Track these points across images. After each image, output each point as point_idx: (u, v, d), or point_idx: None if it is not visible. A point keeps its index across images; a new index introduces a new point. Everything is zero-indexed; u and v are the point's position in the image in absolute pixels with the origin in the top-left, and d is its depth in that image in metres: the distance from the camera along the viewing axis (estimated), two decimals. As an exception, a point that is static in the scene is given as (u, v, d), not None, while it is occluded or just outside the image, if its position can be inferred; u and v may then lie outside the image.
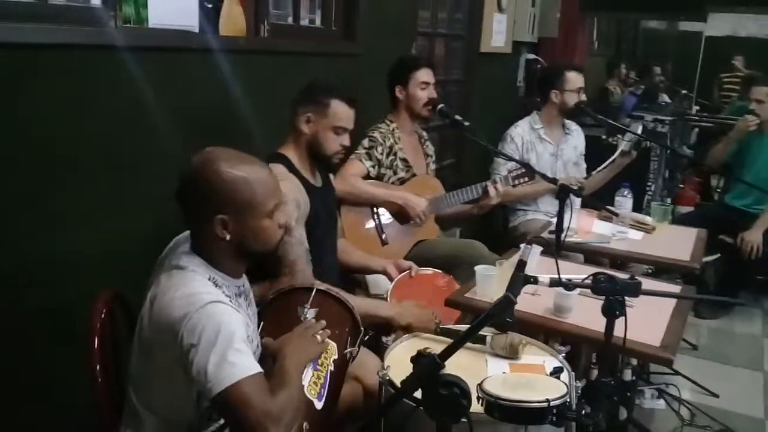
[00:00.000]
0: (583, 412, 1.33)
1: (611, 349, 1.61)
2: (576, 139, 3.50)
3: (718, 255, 3.70)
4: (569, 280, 1.66)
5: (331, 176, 2.38)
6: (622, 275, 1.66)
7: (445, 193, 2.86)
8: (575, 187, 2.67)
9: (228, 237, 1.39)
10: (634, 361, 2.74)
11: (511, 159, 2.97)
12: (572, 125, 3.52)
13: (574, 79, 3.32)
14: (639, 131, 3.18)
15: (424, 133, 3.03)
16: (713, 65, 7.50)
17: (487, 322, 1.08)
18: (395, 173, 2.75)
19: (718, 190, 4.35)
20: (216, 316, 1.29)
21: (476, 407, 1.38)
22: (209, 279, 1.38)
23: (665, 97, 6.48)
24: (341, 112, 2.10)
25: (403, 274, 2.33)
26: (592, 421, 1.30)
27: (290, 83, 2.47)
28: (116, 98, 1.82)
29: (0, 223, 1.54)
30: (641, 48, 9.33)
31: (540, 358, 1.72)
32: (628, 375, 2.66)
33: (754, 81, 4.02)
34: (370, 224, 2.71)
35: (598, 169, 3.33)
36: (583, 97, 3.35)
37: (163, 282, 1.37)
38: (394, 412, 1.44)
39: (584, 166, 3.49)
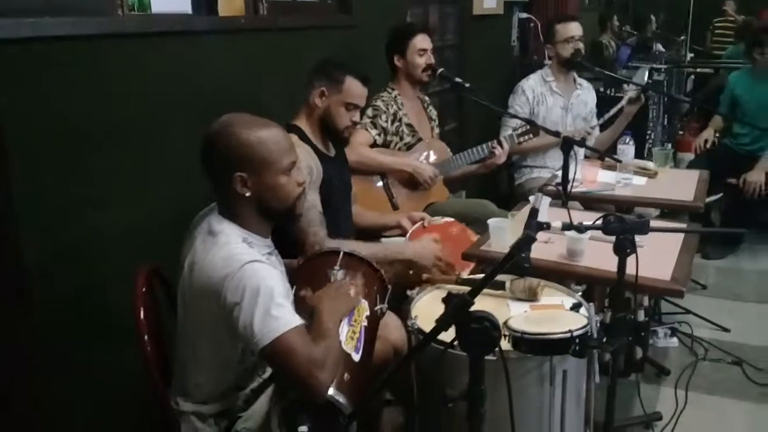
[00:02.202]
0: (604, 340, 1.41)
1: (625, 285, 1.69)
2: (587, 95, 3.55)
3: (721, 195, 3.78)
4: (580, 223, 1.74)
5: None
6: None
7: (451, 156, 2.93)
8: (579, 138, 2.74)
9: (248, 194, 1.48)
10: (646, 303, 2.84)
11: (514, 116, 3.03)
12: (584, 82, 3.57)
13: (561, 29, 3.36)
14: (645, 77, 3.22)
15: (426, 98, 3.09)
16: (706, 12, 7.50)
17: (510, 259, 1.17)
18: (401, 139, 2.81)
19: (717, 135, 4.41)
20: (256, 274, 1.37)
21: (503, 345, 1.47)
22: (243, 240, 1.47)
23: (660, 47, 6.50)
24: (354, 89, 2.17)
25: (417, 224, 2.41)
26: (612, 348, 1.39)
27: (291, 58, 2.55)
28: (130, 83, 1.88)
29: (43, 205, 1.61)
30: (632, -1, 9.30)
31: (558, 298, 1.81)
32: (641, 316, 2.76)
33: (751, 25, 4.09)
34: (381, 191, 2.78)
35: (605, 116, 3.40)
36: (579, 46, 3.37)
37: (199, 248, 1.46)
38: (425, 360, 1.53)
39: (595, 122, 3.52)
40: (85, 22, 1.74)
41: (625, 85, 3.27)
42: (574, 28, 3.37)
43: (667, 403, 2.49)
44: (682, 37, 6.44)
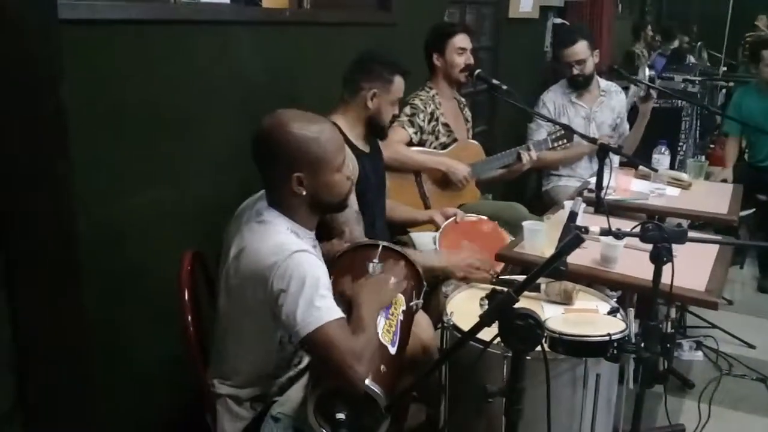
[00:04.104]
0: (642, 345, 1.42)
1: (660, 294, 1.69)
2: (614, 101, 3.52)
3: (754, 209, 3.74)
4: (618, 229, 1.74)
5: (379, 143, 2.46)
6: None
7: (486, 158, 2.94)
8: (615, 146, 2.74)
9: (304, 192, 1.50)
10: (672, 315, 2.82)
11: (548, 119, 3.03)
12: (611, 86, 3.56)
13: (562, 52, 3.42)
14: (646, 74, 3.23)
15: (463, 99, 3.10)
16: (742, 25, 7.42)
17: (558, 259, 1.17)
18: (437, 138, 2.82)
19: (747, 150, 4.37)
20: (303, 264, 1.40)
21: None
22: (290, 231, 1.49)
23: (691, 58, 6.45)
24: (401, 85, 2.24)
25: (449, 220, 2.43)
26: (650, 353, 1.40)
27: (332, 53, 2.57)
28: (178, 69, 1.92)
29: (92, 187, 1.64)
30: (666, 8, 9.21)
31: (593, 303, 1.81)
32: (668, 327, 2.75)
33: (762, 44, 4.06)
34: (413, 189, 2.79)
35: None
36: (578, 71, 3.37)
37: (246, 236, 1.48)
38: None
39: (626, 126, 3.51)
40: (138, 6, 1.78)
41: (633, 86, 3.27)
42: (573, 53, 3.35)
43: (691, 416, 2.48)
44: (699, 43, 6.39)
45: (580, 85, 3.42)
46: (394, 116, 2.27)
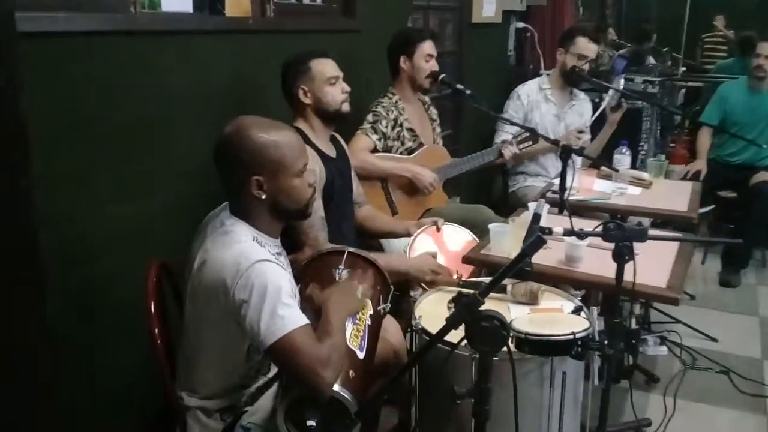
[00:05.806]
0: (606, 342, 1.45)
1: (623, 291, 1.73)
2: (582, 107, 3.58)
3: (712, 206, 3.84)
4: (581, 229, 1.78)
5: (345, 146, 2.47)
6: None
7: (452, 160, 2.97)
8: (576, 146, 2.79)
9: (263, 196, 1.51)
10: (637, 311, 2.89)
11: (514, 124, 3.08)
12: (580, 94, 3.61)
13: (581, 43, 3.38)
14: (621, 86, 3.31)
15: (427, 98, 3.11)
16: (697, 26, 7.60)
17: (520, 260, 1.20)
18: (402, 144, 2.84)
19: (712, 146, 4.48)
20: (264, 274, 1.40)
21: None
22: (253, 239, 1.49)
23: (651, 59, 6.58)
24: (323, 65, 2.23)
25: (423, 228, 2.46)
26: (613, 350, 1.43)
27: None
28: (141, 80, 1.90)
29: (55, 201, 1.63)
30: (626, 11, 9.39)
31: (558, 302, 1.85)
32: (633, 323, 2.81)
33: (751, 39, 4.14)
34: (380, 196, 2.81)
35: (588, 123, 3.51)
36: (586, 66, 3.40)
37: (209, 247, 1.48)
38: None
39: (589, 136, 3.52)
40: (98, 18, 1.76)
41: (604, 93, 3.34)
42: (592, 49, 3.40)
43: (656, 410, 2.53)
44: (666, 49, 6.55)
45: (574, 82, 3.44)
46: (346, 91, 2.26)
